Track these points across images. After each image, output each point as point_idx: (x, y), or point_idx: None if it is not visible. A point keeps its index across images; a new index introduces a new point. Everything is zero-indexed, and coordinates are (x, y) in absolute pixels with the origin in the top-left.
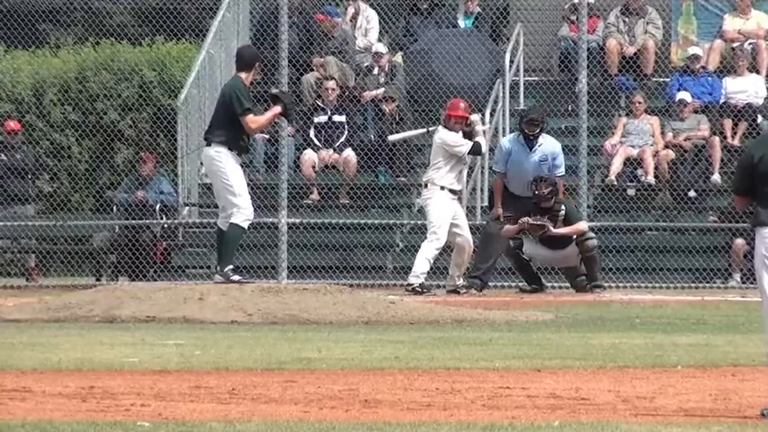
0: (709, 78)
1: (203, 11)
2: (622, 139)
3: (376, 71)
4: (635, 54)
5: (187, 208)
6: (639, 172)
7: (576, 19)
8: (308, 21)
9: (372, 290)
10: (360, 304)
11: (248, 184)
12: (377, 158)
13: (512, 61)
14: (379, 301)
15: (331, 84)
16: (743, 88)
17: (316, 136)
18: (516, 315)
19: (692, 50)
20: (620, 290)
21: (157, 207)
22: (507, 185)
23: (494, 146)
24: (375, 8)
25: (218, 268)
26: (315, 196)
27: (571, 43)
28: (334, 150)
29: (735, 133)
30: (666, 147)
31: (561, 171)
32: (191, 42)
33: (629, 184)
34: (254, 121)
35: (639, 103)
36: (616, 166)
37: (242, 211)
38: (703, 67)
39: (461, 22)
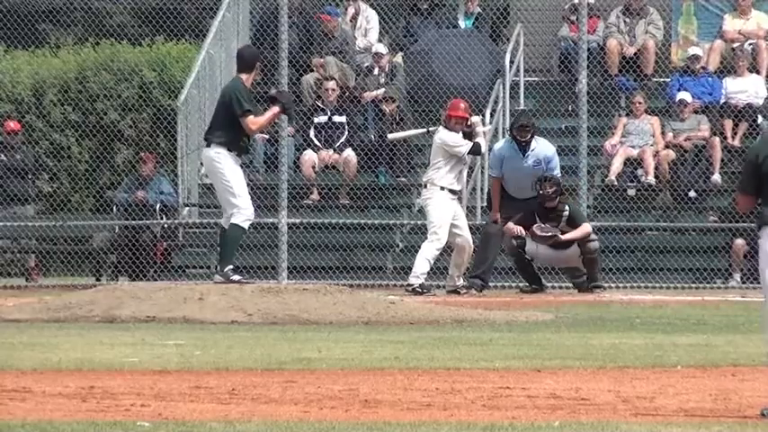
0: (710, 78)
1: (203, 11)
2: (622, 139)
3: (376, 71)
4: (635, 54)
5: (187, 208)
6: (639, 172)
7: (576, 19)
8: (308, 21)
9: (372, 290)
10: (360, 304)
11: (248, 185)
12: (377, 159)
13: (512, 61)
14: (379, 301)
15: (331, 84)
16: (743, 88)
17: (316, 136)
18: (516, 315)
19: (693, 51)
20: (620, 290)
21: (157, 207)
22: (505, 188)
23: (493, 146)
24: (375, 8)
25: (218, 268)
26: (315, 196)
27: (571, 43)
28: (335, 150)
29: (735, 133)
30: (667, 147)
31: (556, 173)
32: (191, 42)
33: (629, 184)
34: (254, 122)
35: (640, 103)
36: (616, 166)
37: (242, 212)
38: (703, 68)
39: (461, 23)
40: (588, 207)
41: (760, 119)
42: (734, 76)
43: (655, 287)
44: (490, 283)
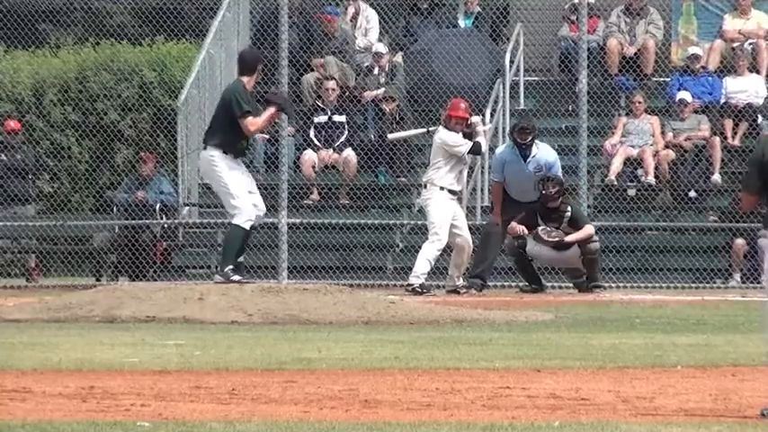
0: (710, 78)
1: (203, 11)
2: (622, 138)
3: (376, 71)
4: (635, 54)
5: (187, 208)
6: (639, 172)
7: (577, 19)
8: (308, 21)
9: (372, 290)
10: (360, 304)
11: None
12: (377, 158)
13: (512, 61)
14: (379, 301)
15: (331, 84)
16: (743, 88)
17: (316, 136)
18: (516, 315)
19: (693, 50)
20: (620, 290)
21: (157, 207)
22: (507, 191)
23: (493, 145)
24: (375, 8)
25: (219, 268)
26: (315, 196)
27: (571, 43)
28: (334, 150)
29: (735, 133)
30: (667, 147)
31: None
32: (191, 42)
33: (629, 184)
34: (252, 123)
35: (639, 102)
36: (616, 166)
37: (243, 213)
38: (703, 67)
39: (461, 22)
40: (588, 207)
41: (760, 119)
42: (734, 76)
43: (655, 287)
44: (490, 283)
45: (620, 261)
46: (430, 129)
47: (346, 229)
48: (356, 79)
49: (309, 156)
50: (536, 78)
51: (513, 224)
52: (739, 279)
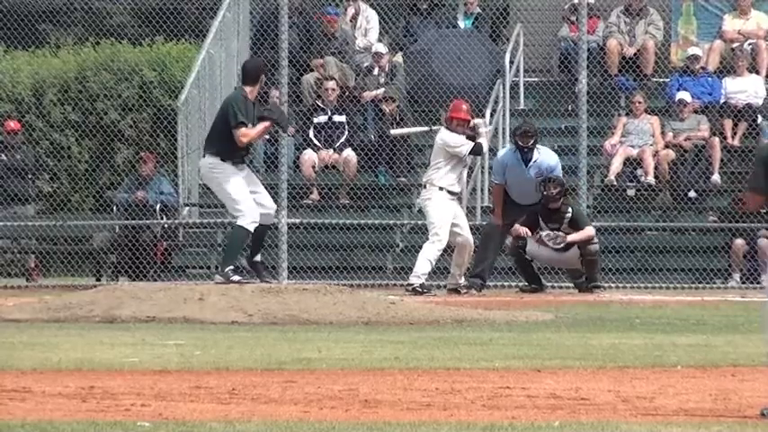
0: (709, 78)
1: (203, 11)
2: (622, 139)
3: (376, 71)
4: (635, 54)
5: (187, 208)
6: (639, 172)
7: (576, 19)
8: (308, 21)
9: (372, 290)
10: (360, 304)
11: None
12: (377, 158)
13: (512, 62)
14: (379, 301)
15: (331, 84)
16: (743, 88)
17: (316, 136)
18: (516, 315)
19: (692, 51)
20: (620, 290)
21: (157, 207)
22: (508, 192)
23: (494, 146)
24: (375, 8)
25: (220, 268)
26: (315, 196)
27: (571, 43)
28: (335, 150)
29: (735, 133)
30: (666, 147)
31: None
32: (191, 42)
33: (629, 184)
34: (244, 134)
35: (639, 102)
36: (616, 166)
37: (247, 215)
38: (703, 68)
39: (461, 23)
40: (588, 207)
41: (759, 119)
42: (733, 76)
43: (655, 287)
44: (490, 283)
45: (619, 261)
46: (433, 127)
47: (346, 229)
48: (356, 79)
49: (309, 156)
50: (536, 79)
51: (517, 226)
52: (739, 279)
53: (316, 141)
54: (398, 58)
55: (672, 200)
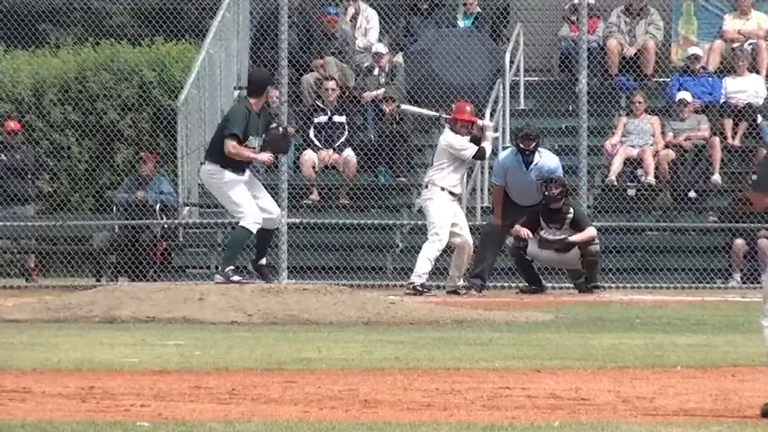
0: (710, 78)
1: (203, 11)
2: (622, 138)
3: (376, 71)
4: (635, 54)
5: (187, 208)
6: (639, 172)
7: (577, 19)
8: (308, 21)
9: (372, 290)
10: (360, 304)
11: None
12: (377, 159)
13: (512, 61)
14: (379, 301)
15: (331, 84)
16: (743, 88)
17: (316, 136)
18: (516, 315)
19: (693, 50)
20: (620, 290)
21: (157, 207)
22: (508, 193)
23: (495, 147)
24: (375, 8)
25: (220, 268)
26: (315, 196)
27: (571, 43)
28: (335, 150)
29: (735, 133)
30: (667, 147)
31: None
32: (191, 42)
33: (629, 184)
34: (234, 147)
35: (640, 102)
36: (616, 166)
37: (249, 217)
38: (703, 68)
39: (461, 23)
40: (588, 207)
41: (760, 119)
42: (734, 76)
43: (655, 287)
44: (490, 284)
45: (620, 261)
46: (442, 115)
47: (346, 229)
48: (356, 79)
49: (309, 156)
50: (536, 78)
51: (518, 227)
52: (739, 279)
53: (316, 141)
54: (398, 58)
55: (672, 200)
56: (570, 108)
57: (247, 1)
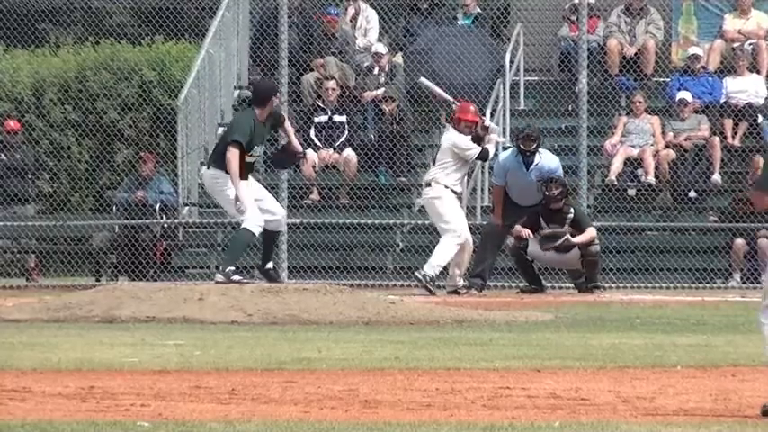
0: (710, 78)
1: (203, 11)
2: (622, 138)
3: (376, 71)
4: (635, 54)
5: (187, 208)
6: (640, 172)
7: (577, 19)
8: (308, 21)
9: (372, 290)
10: (360, 304)
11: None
12: (377, 158)
13: (512, 61)
14: (379, 301)
15: (331, 84)
16: (743, 88)
17: (316, 136)
18: (516, 315)
19: (693, 50)
20: (620, 290)
21: (157, 207)
22: (509, 194)
23: (497, 150)
24: (375, 8)
25: (221, 268)
26: (315, 196)
27: (571, 43)
28: (335, 150)
29: (735, 133)
30: (667, 147)
31: None
32: (191, 42)
33: (629, 184)
34: (233, 155)
35: (640, 102)
36: (616, 166)
37: (251, 219)
38: (704, 67)
39: (461, 22)
40: (588, 207)
41: (760, 119)
42: (734, 76)
43: (655, 287)
44: (490, 284)
45: (620, 261)
46: (455, 103)
47: (346, 229)
48: (356, 79)
49: (309, 156)
50: (536, 78)
51: (518, 227)
52: (739, 279)
53: (316, 141)
54: (398, 58)
55: (672, 200)
56: (570, 108)
57: (247, 1)
